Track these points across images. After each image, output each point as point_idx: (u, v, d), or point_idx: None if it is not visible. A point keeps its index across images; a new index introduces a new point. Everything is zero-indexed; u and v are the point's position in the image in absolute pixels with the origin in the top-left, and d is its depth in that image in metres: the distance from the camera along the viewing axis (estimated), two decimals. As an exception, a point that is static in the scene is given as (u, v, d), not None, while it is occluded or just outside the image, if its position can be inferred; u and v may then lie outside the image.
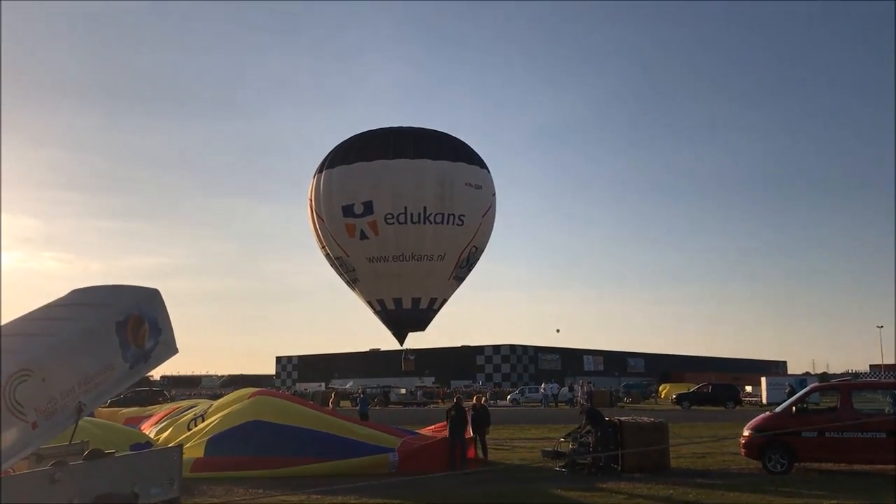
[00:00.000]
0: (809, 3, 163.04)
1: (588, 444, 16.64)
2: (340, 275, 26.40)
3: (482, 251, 26.92)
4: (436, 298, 26.17)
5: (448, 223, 24.66)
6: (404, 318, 26.13)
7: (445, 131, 27.16)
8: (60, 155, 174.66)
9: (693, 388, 54.93)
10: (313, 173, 26.44)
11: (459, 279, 26.50)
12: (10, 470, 8.17)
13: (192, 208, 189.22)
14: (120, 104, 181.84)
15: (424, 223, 24.33)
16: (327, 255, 26.25)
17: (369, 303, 26.32)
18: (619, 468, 16.33)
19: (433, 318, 26.76)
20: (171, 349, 10.23)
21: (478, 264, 27.16)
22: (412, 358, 27.92)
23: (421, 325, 26.71)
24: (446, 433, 17.48)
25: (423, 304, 25.88)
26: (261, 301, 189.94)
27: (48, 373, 8.27)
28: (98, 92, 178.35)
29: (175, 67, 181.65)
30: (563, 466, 16.64)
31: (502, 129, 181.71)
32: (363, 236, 24.51)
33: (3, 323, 9.24)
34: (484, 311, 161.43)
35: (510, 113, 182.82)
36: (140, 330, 9.52)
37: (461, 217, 24.87)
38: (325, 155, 26.50)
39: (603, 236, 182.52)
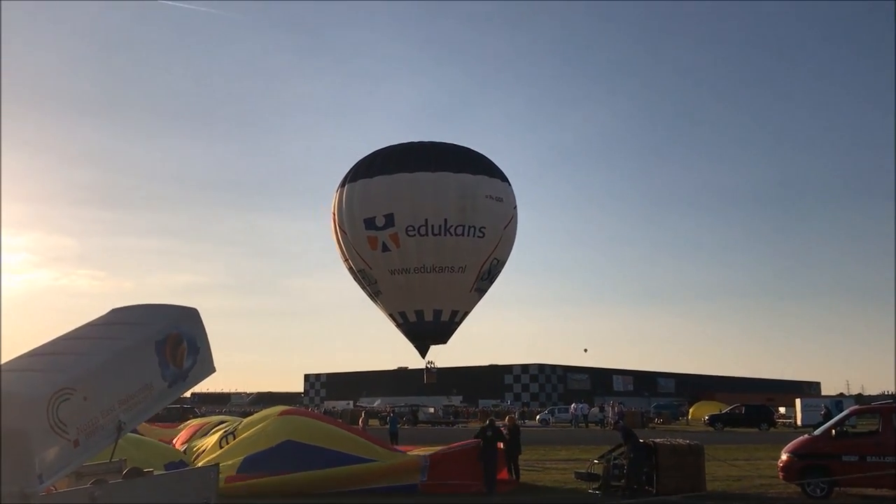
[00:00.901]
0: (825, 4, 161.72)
1: (622, 466, 16.44)
2: (363, 287, 26.56)
3: (504, 263, 26.95)
4: (457, 311, 26.23)
5: (469, 235, 24.80)
6: (426, 330, 26.25)
7: (467, 146, 27.45)
8: (93, 174, 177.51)
9: (725, 409, 54.18)
10: (336, 187, 26.71)
11: (481, 291, 26.53)
12: (52, 488, 8.25)
13: (222, 226, 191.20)
14: (151, 124, 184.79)
15: (445, 235, 24.52)
16: (350, 269, 26.45)
17: (391, 315, 26.44)
18: (654, 490, 16.10)
19: (455, 330, 26.82)
20: (209, 368, 10.29)
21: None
22: (434, 371, 27.84)
23: (443, 337, 26.74)
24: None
25: (445, 317, 25.97)
26: (290, 318, 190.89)
27: (90, 392, 8.36)
28: (130, 112, 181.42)
29: (204, 89, 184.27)
30: (597, 489, 16.46)
31: (528, 146, 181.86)
32: (385, 248, 24.76)
33: (45, 342, 9.37)
34: (512, 331, 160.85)
35: (535, 129, 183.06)
36: (179, 349, 9.60)
37: (482, 229, 25.01)
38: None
39: (632, 254, 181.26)
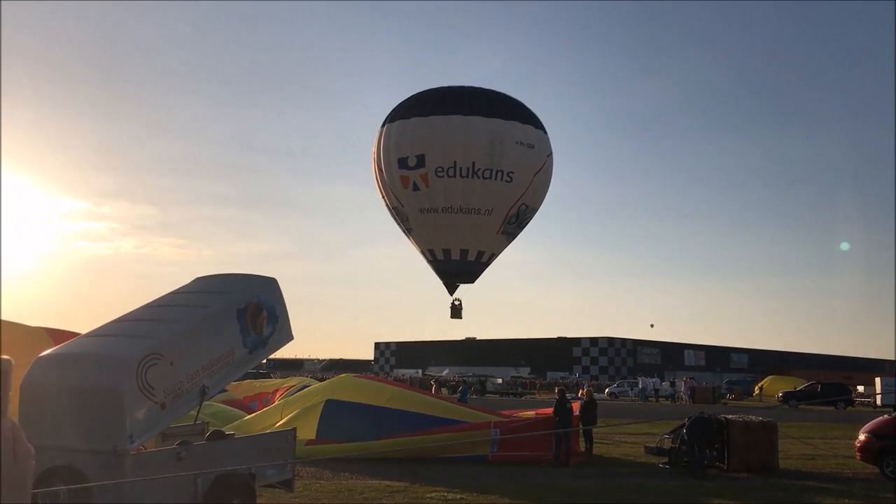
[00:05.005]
0: None
1: (691, 442, 16.28)
2: (398, 224, 27.67)
3: (535, 210, 27.54)
4: (484, 252, 27.09)
5: (496, 179, 25.41)
6: (453, 268, 27.15)
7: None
8: (176, 145, 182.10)
9: (800, 385, 52.96)
10: (378, 127, 27.62)
11: (509, 235, 27.23)
12: (141, 447, 8.68)
13: (300, 196, 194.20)
14: (230, 96, 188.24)
15: (473, 178, 25.20)
16: (387, 206, 27.52)
17: (422, 252, 27.47)
18: (725, 467, 15.98)
19: (482, 270, 27.72)
20: (287, 336, 10.63)
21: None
22: (459, 306, 28.48)
23: (469, 276, 27.65)
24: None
25: (471, 256, 26.85)
26: (362, 287, 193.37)
27: (176, 357, 8.76)
28: (209, 84, 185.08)
29: (281, 61, 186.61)
30: (667, 463, 16.40)
31: (600, 117, 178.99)
32: (416, 188, 25.67)
33: (134, 309, 9.81)
34: (580, 303, 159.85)
35: (608, 100, 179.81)
36: (259, 317, 9.95)
37: (510, 174, 25.56)
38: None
39: (703, 227, 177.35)
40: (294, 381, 26.47)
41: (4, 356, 2.22)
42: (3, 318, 15.30)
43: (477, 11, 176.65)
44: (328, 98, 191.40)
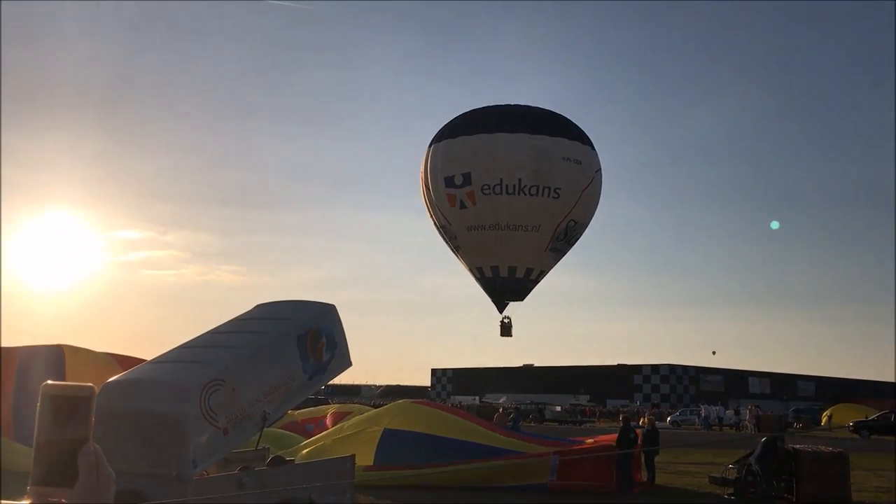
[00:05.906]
0: None
1: (757, 472, 15.85)
2: (446, 242, 27.82)
3: (584, 226, 27.41)
4: (532, 269, 26.95)
5: (543, 195, 25.35)
6: (501, 286, 27.10)
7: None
8: (234, 174, 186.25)
9: (872, 415, 51.05)
10: (427, 147, 27.96)
11: (558, 252, 27.13)
12: (204, 472, 8.80)
13: (358, 223, 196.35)
14: (288, 126, 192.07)
15: (519, 194, 25.19)
16: (435, 225, 27.69)
17: (471, 270, 27.52)
18: (794, 499, 15.45)
19: (531, 288, 27.62)
20: (346, 362, 10.71)
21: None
22: (508, 323, 28.33)
23: (519, 294, 27.53)
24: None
25: (520, 274, 26.75)
26: (418, 313, 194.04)
27: (238, 383, 8.88)
28: (268, 114, 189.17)
29: (337, 91, 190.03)
30: (732, 494, 15.96)
31: (659, 142, 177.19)
32: (462, 206, 25.80)
33: (197, 335, 10.00)
34: (641, 330, 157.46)
35: (669, 125, 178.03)
36: (318, 343, 10.04)
37: (557, 190, 25.46)
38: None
39: (768, 251, 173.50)
40: (351, 407, 26.67)
41: (88, 383, 2.31)
42: (74, 344, 15.78)
43: (532, 40, 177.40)
44: (385, 126, 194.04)
